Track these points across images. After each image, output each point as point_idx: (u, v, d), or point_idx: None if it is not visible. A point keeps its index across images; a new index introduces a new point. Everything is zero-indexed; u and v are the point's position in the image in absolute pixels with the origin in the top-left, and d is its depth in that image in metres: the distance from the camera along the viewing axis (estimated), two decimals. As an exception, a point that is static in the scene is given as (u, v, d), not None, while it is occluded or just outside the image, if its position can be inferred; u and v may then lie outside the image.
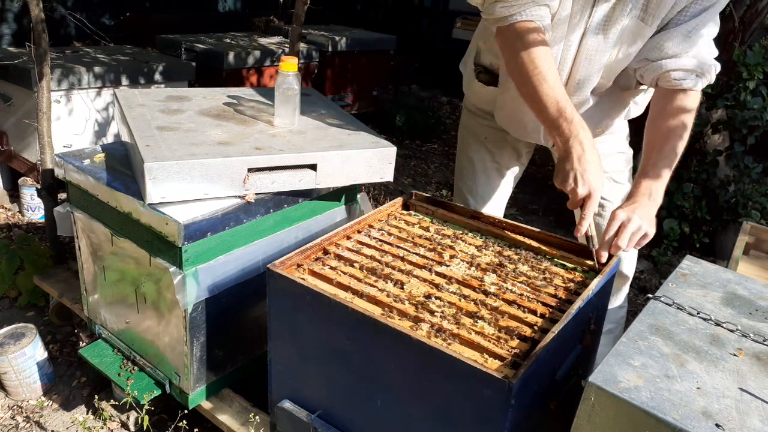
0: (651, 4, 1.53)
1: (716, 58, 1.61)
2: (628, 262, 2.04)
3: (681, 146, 1.59)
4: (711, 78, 1.61)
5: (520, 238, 1.68)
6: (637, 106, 1.87)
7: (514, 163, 2.07)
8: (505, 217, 2.01)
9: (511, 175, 2.10)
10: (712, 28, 1.59)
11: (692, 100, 1.61)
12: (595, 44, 1.61)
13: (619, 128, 1.95)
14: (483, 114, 2.01)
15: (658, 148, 1.59)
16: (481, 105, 2.00)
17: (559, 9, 1.57)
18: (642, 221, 1.49)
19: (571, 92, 1.71)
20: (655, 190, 1.55)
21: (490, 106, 1.95)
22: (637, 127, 2.01)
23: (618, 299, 2.09)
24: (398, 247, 1.61)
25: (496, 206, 2.10)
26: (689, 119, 1.60)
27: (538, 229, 1.68)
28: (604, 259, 1.52)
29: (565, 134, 1.51)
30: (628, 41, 1.60)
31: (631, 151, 2.01)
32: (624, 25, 1.57)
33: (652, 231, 1.52)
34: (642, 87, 1.78)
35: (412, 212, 1.84)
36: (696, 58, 1.57)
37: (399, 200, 1.85)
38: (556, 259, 1.60)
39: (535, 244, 1.65)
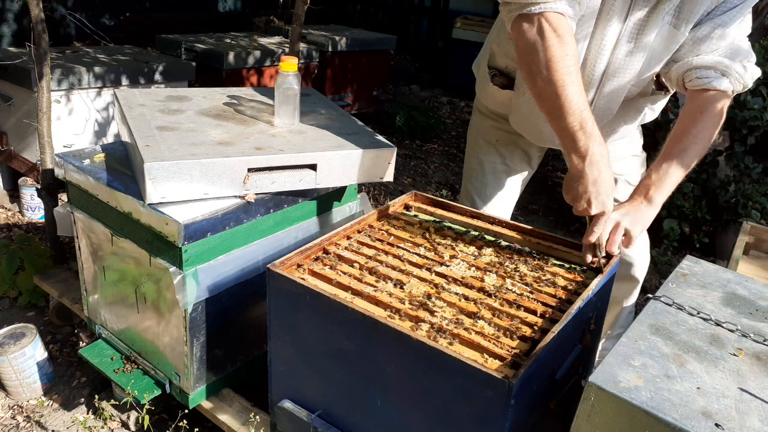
0: (684, 10, 1.48)
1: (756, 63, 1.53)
2: (639, 266, 2.03)
3: (695, 148, 1.51)
4: (739, 77, 1.51)
5: (519, 237, 1.68)
6: (652, 111, 1.84)
7: (524, 167, 2.06)
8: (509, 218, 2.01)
9: (520, 179, 2.08)
10: (740, 28, 1.51)
11: (714, 101, 1.52)
12: (626, 52, 1.56)
13: (633, 131, 1.93)
14: (495, 116, 1.98)
15: (668, 149, 1.54)
16: (495, 107, 1.96)
17: (584, 8, 1.50)
18: (631, 224, 1.49)
19: (600, 102, 1.68)
20: (655, 191, 1.51)
21: (504, 108, 1.91)
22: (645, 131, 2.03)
23: (628, 303, 2.09)
24: (398, 247, 1.61)
25: (503, 209, 2.09)
26: (709, 121, 1.52)
27: (538, 229, 1.68)
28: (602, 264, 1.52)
29: (581, 151, 1.41)
30: (660, 47, 1.55)
31: (644, 154, 2.00)
32: (657, 32, 1.52)
33: (636, 230, 1.49)
34: (658, 92, 1.76)
35: (412, 212, 1.83)
36: (721, 56, 1.51)
37: (399, 200, 1.85)
38: (556, 259, 1.60)
39: (534, 243, 1.65)
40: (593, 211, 1.45)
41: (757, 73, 1.54)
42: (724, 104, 1.54)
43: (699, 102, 1.54)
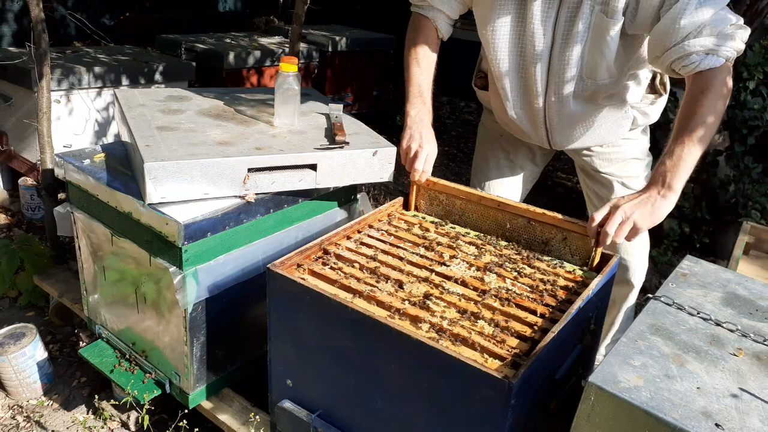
0: None
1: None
2: (636, 271, 2.01)
3: (705, 127, 1.45)
4: (725, 48, 1.45)
5: (521, 215, 1.64)
6: (645, 116, 1.85)
7: (528, 163, 2.07)
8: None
9: (525, 175, 2.10)
10: (706, 5, 1.44)
11: (713, 78, 1.47)
12: (561, 47, 1.61)
13: (638, 135, 1.92)
14: None
15: (678, 133, 1.48)
16: (489, 106, 2.04)
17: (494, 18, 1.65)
18: (641, 218, 1.44)
19: (552, 100, 1.71)
20: (672, 177, 1.44)
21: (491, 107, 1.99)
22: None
23: (625, 308, 2.07)
24: (398, 247, 1.61)
25: None
26: (713, 97, 1.46)
27: (539, 209, 1.62)
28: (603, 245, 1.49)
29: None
30: (596, 38, 1.57)
31: (650, 158, 1.98)
32: (589, 23, 1.55)
33: (644, 225, 1.44)
34: (648, 96, 1.77)
35: (412, 212, 1.84)
36: (695, 37, 1.46)
37: (399, 200, 1.85)
38: (555, 259, 1.60)
39: (536, 221, 1.62)
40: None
41: (746, 33, 1.48)
42: (725, 75, 1.49)
43: (699, 83, 1.49)
